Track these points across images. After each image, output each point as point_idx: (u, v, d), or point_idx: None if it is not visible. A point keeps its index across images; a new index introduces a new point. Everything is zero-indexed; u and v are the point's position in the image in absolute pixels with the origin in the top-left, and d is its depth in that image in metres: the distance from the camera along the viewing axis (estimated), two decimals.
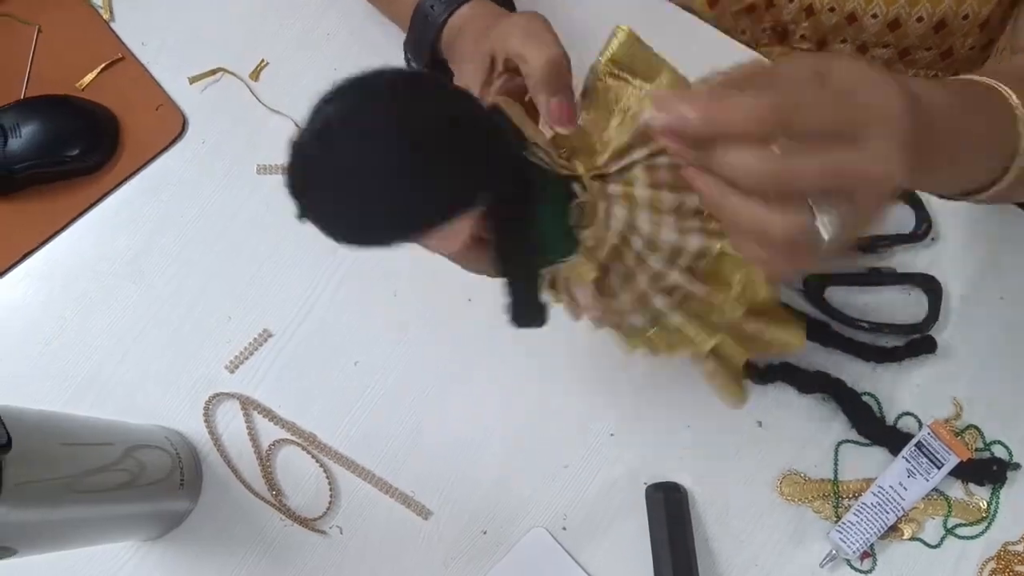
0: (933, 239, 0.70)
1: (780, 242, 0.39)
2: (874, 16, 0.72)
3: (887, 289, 0.70)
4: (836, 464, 0.67)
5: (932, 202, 0.70)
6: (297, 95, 0.77)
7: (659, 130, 0.38)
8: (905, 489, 0.64)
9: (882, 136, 0.38)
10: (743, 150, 0.38)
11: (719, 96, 0.38)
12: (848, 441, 0.67)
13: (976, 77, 0.52)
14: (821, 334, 0.68)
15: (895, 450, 0.65)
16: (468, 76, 0.56)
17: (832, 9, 0.73)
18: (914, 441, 0.65)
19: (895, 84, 0.40)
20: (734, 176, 0.38)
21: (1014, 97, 0.51)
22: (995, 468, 0.65)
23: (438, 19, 0.62)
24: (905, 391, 0.68)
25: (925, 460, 0.64)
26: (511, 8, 0.65)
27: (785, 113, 0.37)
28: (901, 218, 0.71)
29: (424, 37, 0.63)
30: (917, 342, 0.68)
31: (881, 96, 0.39)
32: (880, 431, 0.66)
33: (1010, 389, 0.67)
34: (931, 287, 0.69)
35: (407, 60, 0.67)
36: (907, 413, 0.67)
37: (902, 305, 0.70)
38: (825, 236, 0.39)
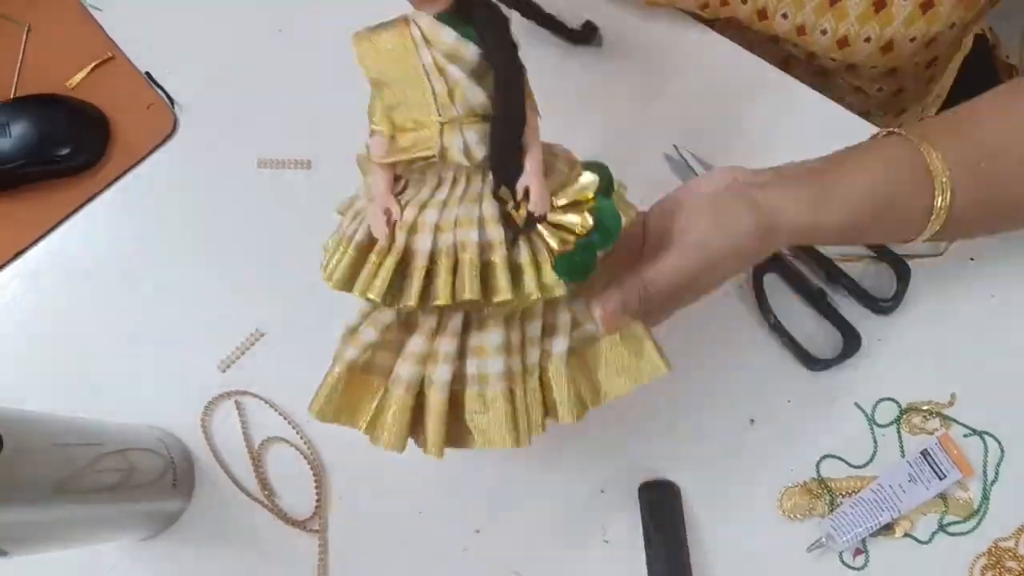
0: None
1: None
2: (823, 32, 0.72)
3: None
4: (828, 460, 0.67)
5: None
6: (288, 93, 0.77)
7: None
8: (904, 492, 0.64)
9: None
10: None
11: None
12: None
13: (903, 134, 0.59)
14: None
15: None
16: None
17: (784, 16, 0.73)
18: (921, 449, 0.65)
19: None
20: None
21: (937, 162, 0.56)
22: None
23: None
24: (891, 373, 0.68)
25: (928, 469, 0.65)
26: None
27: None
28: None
29: None
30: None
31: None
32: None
33: (1001, 381, 0.68)
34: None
35: None
36: (888, 399, 0.68)
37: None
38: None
